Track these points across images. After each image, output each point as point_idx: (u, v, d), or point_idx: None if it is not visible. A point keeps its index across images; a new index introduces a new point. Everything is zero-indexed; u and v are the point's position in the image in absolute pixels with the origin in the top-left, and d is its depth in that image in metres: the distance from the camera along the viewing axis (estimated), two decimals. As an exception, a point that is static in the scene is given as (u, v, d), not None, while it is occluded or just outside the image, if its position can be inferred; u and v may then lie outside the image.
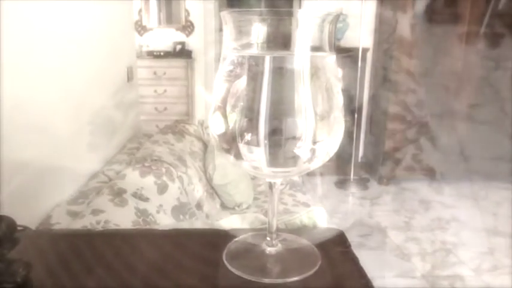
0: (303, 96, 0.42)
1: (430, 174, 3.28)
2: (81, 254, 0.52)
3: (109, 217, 1.25)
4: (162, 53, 3.59)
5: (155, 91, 3.49)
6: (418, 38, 3.10)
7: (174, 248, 0.54)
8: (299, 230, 0.59)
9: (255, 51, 0.43)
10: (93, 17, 1.89)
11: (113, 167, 1.84)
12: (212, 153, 2.02)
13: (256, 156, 0.43)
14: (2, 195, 1.10)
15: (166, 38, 3.71)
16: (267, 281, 0.47)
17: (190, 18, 3.72)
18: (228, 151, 0.45)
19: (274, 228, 0.51)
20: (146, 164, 1.62)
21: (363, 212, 2.95)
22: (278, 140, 0.42)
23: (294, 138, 0.42)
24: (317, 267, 0.49)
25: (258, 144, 0.42)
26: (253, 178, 2.14)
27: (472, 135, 3.22)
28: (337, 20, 0.45)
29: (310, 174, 3.26)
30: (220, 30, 0.47)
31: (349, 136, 3.33)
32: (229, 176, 1.95)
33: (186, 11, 3.72)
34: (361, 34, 3.18)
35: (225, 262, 0.49)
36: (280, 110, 0.42)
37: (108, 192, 1.41)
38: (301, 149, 0.43)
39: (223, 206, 2.00)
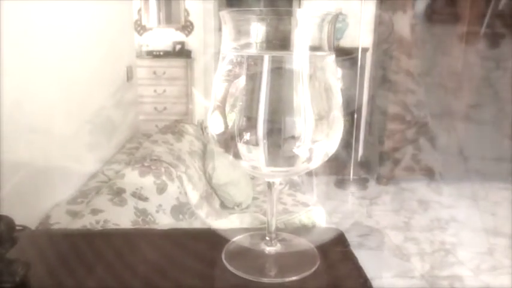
0: (301, 95, 0.42)
1: (429, 174, 3.28)
2: (80, 253, 0.52)
3: (108, 217, 1.25)
4: (161, 53, 3.59)
5: (155, 91, 3.48)
6: (418, 38, 3.10)
7: (173, 247, 0.54)
8: (298, 230, 0.59)
9: (254, 50, 0.43)
10: (92, 17, 1.89)
11: (112, 166, 1.84)
12: (211, 153, 2.02)
13: (254, 155, 0.43)
14: (1, 194, 1.10)
15: (165, 37, 3.71)
16: (266, 280, 0.47)
17: (190, 18, 3.72)
18: (226, 150, 0.45)
19: (273, 228, 0.51)
20: (145, 164, 1.62)
21: (362, 212, 2.95)
22: (277, 139, 0.42)
23: (293, 137, 0.42)
24: (316, 267, 0.49)
25: (256, 144, 0.42)
26: (253, 178, 2.14)
27: (471, 136, 3.22)
28: (336, 19, 0.45)
29: (310, 174, 3.26)
30: (220, 30, 0.47)
31: (349, 136, 3.33)
32: (228, 176, 1.95)
33: (186, 10, 3.72)
34: (361, 34, 3.18)
35: (224, 262, 0.49)
36: (279, 110, 0.42)
37: (107, 191, 1.41)
38: (300, 149, 0.43)
39: (223, 206, 2.00)
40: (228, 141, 0.44)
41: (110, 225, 1.22)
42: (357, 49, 3.21)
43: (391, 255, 2.39)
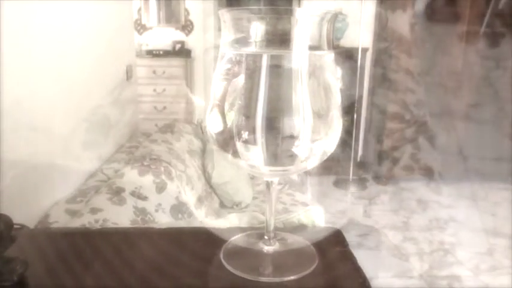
0: (300, 94, 0.42)
1: (429, 173, 3.28)
2: (79, 252, 0.52)
3: (107, 216, 1.25)
4: (161, 52, 3.59)
5: (154, 90, 3.48)
6: (418, 37, 3.10)
7: (171, 246, 0.54)
8: (297, 229, 0.59)
9: (252, 49, 0.43)
10: (92, 16, 1.89)
11: (112, 165, 1.84)
12: (211, 152, 2.02)
13: (253, 154, 0.43)
14: (1, 192, 1.10)
15: (165, 37, 3.71)
16: (264, 280, 0.46)
17: (190, 17, 3.72)
18: (225, 149, 0.45)
19: (272, 227, 0.51)
20: (145, 163, 1.62)
21: (361, 212, 2.95)
22: (275, 138, 0.42)
23: (292, 136, 0.42)
24: (314, 267, 0.48)
25: (255, 143, 0.42)
26: (252, 177, 2.14)
27: (471, 135, 3.22)
28: (335, 18, 0.45)
29: (309, 173, 3.26)
30: (220, 29, 0.47)
31: (348, 136, 3.33)
32: (228, 175, 1.95)
33: (186, 10, 3.71)
34: (361, 34, 3.18)
35: (223, 261, 0.49)
36: (278, 109, 0.42)
37: (106, 190, 1.41)
38: (298, 148, 0.42)
39: (222, 205, 2.00)
40: (227, 140, 0.44)
41: (109, 224, 1.22)
42: (356, 49, 3.21)
43: (389, 255, 2.39)
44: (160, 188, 1.55)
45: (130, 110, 2.54)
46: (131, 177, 1.52)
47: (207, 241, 0.54)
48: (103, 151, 1.98)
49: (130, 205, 1.37)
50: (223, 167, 1.95)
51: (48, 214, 1.37)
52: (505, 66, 3.12)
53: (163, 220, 1.42)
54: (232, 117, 0.43)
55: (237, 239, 0.53)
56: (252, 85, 0.42)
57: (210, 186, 1.97)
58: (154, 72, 3.47)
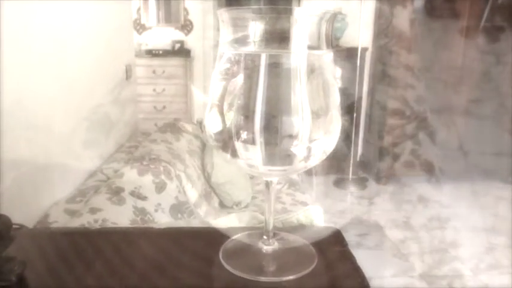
0: (299, 94, 0.42)
1: (429, 169, 3.28)
2: (77, 252, 0.52)
3: (107, 216, 1.25)
4: (160, 52, 3.59)
5: (154, 90, 3.48)
6: (417, 32, 3.10)
7: (170, 246, 0.54)
8: (296, 229, 0.58)
9: (251, 49, 0.43)
10: (91, 16, 1.89)
11: (111, 165, 1.84)
12: (210, 152, 2.02)
13: (251, 154, 0.43)
14: (1, 191, 1.10)
15: (165, 36, 3.71)
16: (263, 279, 0.46)
17: (189, 17, 3.72)
18: (224, 149, 0.45)
19: (271, 226, 0.50)
20: (144, 163, 1.61)
21: (361, 211, 2.95)
22: (274, 138, 0.42)
23: (290, 136, 0.42)
24: (313, 266, 0.48)
25: (253, 143, 0.42)
26: (252, 177, 2.14)
27: (471, 130, 3.22)
28: (334, 18, 0.45)
29: (309, 173, 3.26)
30: (219, 29, 0.47)
31: (348, 135, 3.33)
32: (227, 175, 1.95)
33: (185, 9, 3.71)
34: (360, 33, 3.18)
35: (222, 261, 0.49)
36: (277, 108, 0.42)
37: (106, 190, 1.41)
38: (297, 148, 0.42)
39: (222, 205, 2.00)
40: (226, 140, 0.44)
41: (109, 224, 1.22)
42: (356, 49, 3.21)
43: (389, 254, 2.39)
44: (160, 188, 1.54)
45: (130, 109, 2.54)
46: (131, 177, 1.52)
47: (206, 241, 0.54)
48: (103, 151, 1.98)
49: (129, 205, 1.37)
50: (222, 167, 1.95)
51: (48, 214, 1.36)
52: (505, 61, 3.12)
53: (163, 220, 1.41)
54: (231, 117, 0.43)
55: (236, 239, 0.53)
56: (250, 85, 0.42)
57: (210, 185, 1.97)
58: (153, 71, 3.47)
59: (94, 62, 1.90)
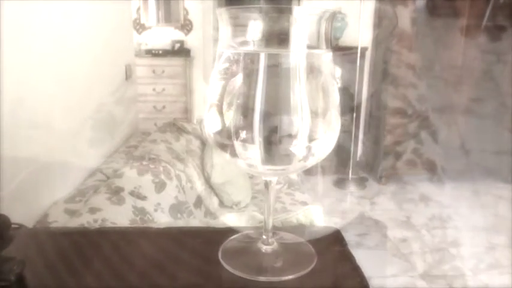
0: (298, 94, 0.42)
1: (431, 168, 3.27)
2: (76, 251, 0.52)
3: (106, 215, 1.25)
4: (160, 52, 3.59)
5: (154, 89, 3.48)
6: (419, 31, 3.10)
7: (169, 246, 0.54)
8: (296, 229, 0.58)
9: (250, 48, 0.43)
10: (91, 15, 1.89)
11: (111, 165, 1.84)
12: (210, 152, 2.02)
13: (251, 153, 0.43)
14: (2, 190, 1.10)
15: (165, 36, 3.71)
16: (262, 279, 0.46)
17: (189, 16, 3.72)
18: (223, 149, 0.45)
19: (270, 226, 0.50)
20: (144, 163, 1.61)
21: (361, 211, 2.95)
22: (273, 137, 0.42)
23: (290, 136, 0.42)
24: (313, 266, 0.48)
25: (252, 142, 0.42)
26: (251, 177, 2.14)
27: (472, 129, 3.23)
28: (334, 17, 0.45)
29: (309, 173, 3.26)
30: (219, 28, 0.47)
31: (348, 135, 3.33)
32: (227, 175, 1.95)
33: (185, 9, 3.71)
34: (360, 33, 3.18)
35: (221, 260, 0.49)
36: (276, 108, 0.42)
37: (105, 190, 1.41)
38: (296, 147, 0.42)
39: (221, 205, 2.00)
40: (225, 139, 0.43)
41: (108, 224, 1.22)
42: (356, 48, 3.21)
43: (389, 254, 2.39)
44: (160, 188, 1.54)
45: (129, 109, 2.54)
46: (130, 176, 1.52)
47: (205, 240, 0.54)
48: (102, 150, 1.98)
49: (129, 205, 1.36)
50: (222, 167, 1.95)
51: (47, 214, 1.36)
52: (506, 60, 3.12)
53: (163, 220, 1.41)
54: (230, 117, 0.42)
55: (235, 239, 0.53)
56: (249, 84, 0.41)
57: (209, 185, 1.97)
58: (153, 71, 3.47)
59: (94, 61, 1.90)
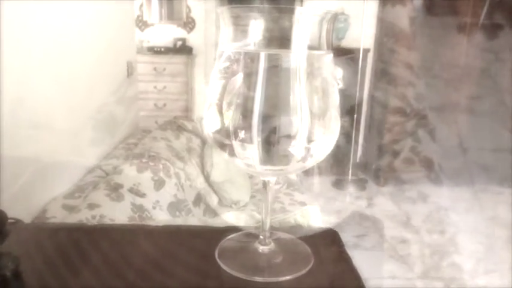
0: (298, 94, 0.42)
1: (428, 166, 3.27)
2: (73, 248, 0.52)
3: (105, 212, 1.25)
4: (162, 49, 3.58)
5: (155, 87, 3.48)
6: (417, 30, 3.10)
7: (166, 244, 0.54)
8: (293, 229, 0.58)
9: (251, 48, 0.43)
10: (93, 12, 1.88)
11: (111, 162, 1.84)
12: (210, 150, 2.01)
13: (249, 153, 0.43)
14: (2, 189, 1.10)
15: (167, 34, 3.70)
16: (259, 279, 0.46)
17: (192, 14, 3.71)
18: (222, 148, 0.44)
19: (268, 226, 0.50)
20: (144, 160, 1.61)
21: (359, 213, 2.95)
22: (272, 137, 0.42)
23: (289, 136, 0.42)
24: (309, 267, 0.48)
25: (251, 142, 0.42)
26: (251, 176, 2.14)
27: (470, 127, 3.24)
28: (335, 18, 0.45)
29: (308, 173, 3.26)
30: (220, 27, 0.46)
31: (348, 136, 3.33)
32: (226, 174, 1.95)
33: (188, 7, 3.71)
34: (363, 34, 3.18)
35: (218, 260, 0.49)
36: (275, 108, 0.42)
37: (104, 187, 1.41)
38: (295, 148, 0.42)
39: (220, 204, 2.00)
40: (223, 139, 0.43)
41: (106, 221, 1.22)
42: (358, 49, 3.20)
43: (387, 255, 2.39)
44: (159, 185, 1.54)
45: (131, 106, 2.54)
46: (130, 173, 1.52)
47: (202, 239, 0.54)
48: (103, 147, 1.98)
49: (128, 202, 1.36)
50: (222, 165, 1.95)
51: (46, 209, 1.36)
52: (503, 58, 3.12)
53: (161, 217, 1.41)
54: (229, 116, 0.42)
55: (232, 238, 0.53)
56: (249, 84, 0.41)
57: (209, 184, 1.97)
58: (155, 69, 3.47)
59: (95, 59, 1.90)
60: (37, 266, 0.48)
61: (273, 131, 0.41)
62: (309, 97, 0.42)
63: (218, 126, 0.44)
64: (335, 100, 0.45)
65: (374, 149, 3.48)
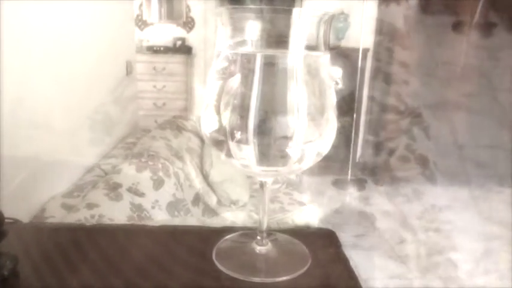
0: (295, 95, 0.42)
1: (423, 163, 3.28)
2: (71, 247, 0.52)
3: (104, 211, 1.25)
4: (162, 48, 3.58)
5: (154, 86, 3.48)
6: (412, 29, 3.11)
7: (163, 244, 0.54)
8: (291, 229, 0.58)
9: (248, 48, 0.43)
10: (92, 12, 1.88)
11: (110, 161, 1.84)
12: (209, 150, 2.02)
13: (245, 154, 0.43)
14: (2, 189, 1.11)
15: (166, 33, 3.70)
16: (256, 280, 0.46)
17: (191, 14, 3.71)
18: (219, 148, 0.45)
19: (265, 227, 0.50)
20: (143, 159, 1.61)
21: (359, 212, 2.95)
22: (268, 138, 0.42)
23: (285, 137, 0.42)
24: (307, 268, 0.48)
25: (247, 143, 0.42)
26: (250, 176, 2.14)
27: (464, 124, 3.25)
28: (332, 19, 0.45)
29: (308, 173, 3.26)
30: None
31: (347, 136, 3.33)
32: (226, 174, 1.95)
33: (187, 7, 3.71)
34: (362, 34, 3.17)
35: (215, 260, 0.49)
36: (272, 109, 0.42)
37: (103, 186, 1.41)
38: (291, 149, 0.42)
39: (219, 203, 2.00)
40: (220, 139, 0.43)
41: (105, 220, 1.22)
42: (358, 49, 3.20)
43: (386, 255, 2.39)
44: (158, 185, 1.54)
45: (130, 106, 2.54)
46: (128, 173, 1.52)
47: (200, 240, 0.54)
48: (102, 147, 1.98)
49: (126, 201, 1.37)
50: (221, 165, 1.95)
51: (44, 208, 1.37)
52: (497, 56, 3.13)
53: (160, 217, 1.42)
54: (226, 117, 0.42)
55: (229, 239, 0.53)
56: (246, 84, 0.41)
57: (208, 184, 1.97)
58: (154, 68, 3.46)
59: (94, 58, 1.90)
60: (35, 265, 0.48)
61: (270, 131, 0.41)
62: (306, 98, 0.42)
63: (215, 127, 0.44)
64: (332, 101, 0.45)
65: (374, 152, 3.48)
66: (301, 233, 0.56)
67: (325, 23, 0.44)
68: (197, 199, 1.79)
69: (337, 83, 3.14)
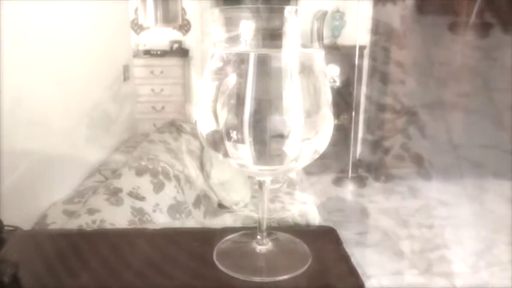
0: (290, 93, 0.42)
1: (418, 162, 3.28)
2: (71, 254, 0.52)
3: (105, 216, 1.25)
4: (158, 52, 3.58)
5: (152, 90, 3.48)
6: (408, 28, 3.12)
7: (164, 246, 0.54)
8: (291, 228, 0.58)
9: (243, 48, 0.43)
10: (89, 16, 1.89)
11: (109, 166, 1.84)
12: (209, 152, 2.01)
13: (242, 153, 0.43)
14: (2, 187, 1.11)
15: (163, 36, 3.71)
16: (257, 279, 0.46)
17: (187, 17, 3.72)
18: (216, 149, 0.45)
19: (265, 226, 0.50)
20: (142, 163, 1.61)
21: (360, 210, 2.95)
22: (264, 137, 0.42)
23: (281, 136, 0.42)
24: (308, 266, 0.48)
25: (243, 142, 0.42)
26: (250, 176, 2.14)
27: (460, 124, 3.26)
28: (325, 17, 0.45)
29: (309, 172, 3.25)
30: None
31: (347, 134, 3.33)
32: (226, 175, 1.95)
33: (183, 9, 3.71)
34: (358, 32, 3.18)
35: (215, 261, 0.49)
36: (267, 108, 0.42)
37: (104, 191, 1.41)
38: (288, 147, 0.42)
39: (221, 205, 2.00)
40: (217, 140, 0.43)
41: (107, 225, 1.21)
42: (354, 47, 3.21)
43: (389, 252, 2.39)
44: (158, 188, 1.54)
45: (128, 110, 2.53)
46: (129, 177, 1.52)
47: (200, 241, 0.54)
48: (101, 151, 1.98)
49: (127, 205, 1.36)
50: (221, 167, 1.95)
51: (46, 215, 1.36)
52: (493, 56, 3.14)
53: (161, 220, 1.41)
54: (222, 117, 0.42)
55: (230, 239, 0.53)
56: (240, 84, 0.41)
57: (208, 185, 1.97)
58: (151, 72, 3.46)
59: (92, 61, 1.90)
60: (37, 272, 0.48)
61: (265, 130, 0.41)
62: (302, 96, 0.42)
63: (212, 128, 0.44)
64: (328, 98, 0.45)
65: (374, 149, 3.49)
66: (302, 231, 0.56)
67: (318, 20, 0.44)
68: (198, 201, 1.79)
69: (334, 81, 3.14)
